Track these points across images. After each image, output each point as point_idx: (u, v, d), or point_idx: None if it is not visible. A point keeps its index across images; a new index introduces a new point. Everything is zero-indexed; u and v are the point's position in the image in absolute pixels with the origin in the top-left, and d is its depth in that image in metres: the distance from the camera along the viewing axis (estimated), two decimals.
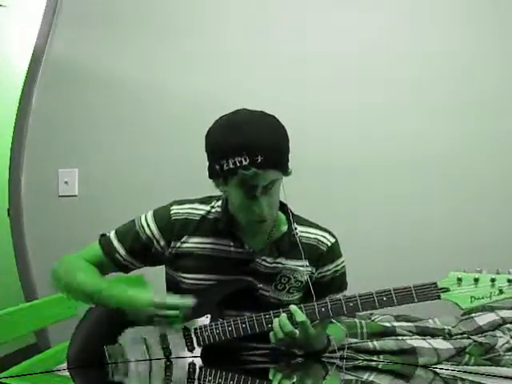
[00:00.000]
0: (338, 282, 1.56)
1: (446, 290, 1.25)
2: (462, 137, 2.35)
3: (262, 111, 1.39)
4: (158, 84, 2.56)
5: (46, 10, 2.62)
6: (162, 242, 1.50)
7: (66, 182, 2.61)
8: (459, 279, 1.25)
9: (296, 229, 1.52)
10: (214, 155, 1.34)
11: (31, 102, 2.62)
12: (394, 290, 1.30)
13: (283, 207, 1.53)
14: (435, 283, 1.27)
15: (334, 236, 1.57)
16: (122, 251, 1.51)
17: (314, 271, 1.53)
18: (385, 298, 1.31)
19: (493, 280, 1.22)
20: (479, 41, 2.36)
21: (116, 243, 1.52)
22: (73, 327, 1.52)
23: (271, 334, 1.36)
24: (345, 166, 2.40)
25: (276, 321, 1.35)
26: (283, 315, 1.34)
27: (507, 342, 1.70)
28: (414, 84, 2.38)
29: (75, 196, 2.61)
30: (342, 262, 1.58)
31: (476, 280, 1.23)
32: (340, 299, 1.35)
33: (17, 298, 2.55)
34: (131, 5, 2.60)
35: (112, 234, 1.55)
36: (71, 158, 2.62)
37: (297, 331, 1.33)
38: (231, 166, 1.29)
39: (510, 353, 1.66)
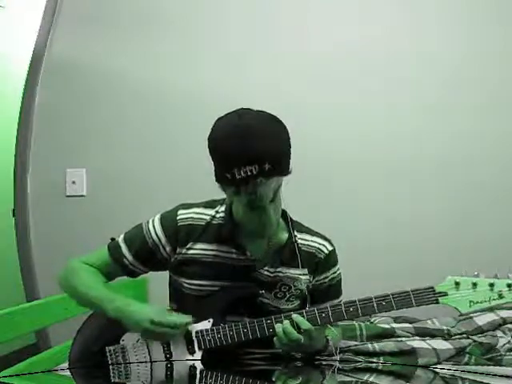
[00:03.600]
0: (334, 289, 1.57)
1: (444, 294, 1.25)
2: (462, 136, 2.35)
3: (264, 112, 1.37)
4: (164, 83, 2.55)
5: (46, 10, 2.61)
6: (168, 248, 1.50)
7: (73, 182, 2.60)
8: (457, 283, 1.24)
9: (296, 236, 1.52)
10: (224, 163, 1.32)
11: (34, 101, 2.62)
12: (392, 294, 1.31)
13: (283, 214, 1.52)
14: (433, 288, 1.27)
15: (331, 244, 1.58)
16: (129, 256, 1.51)
17: (311, 279, 1.53)
18: (384, 303, 1.32)
19: (491, 285, 1.22)
20: (479, 41, 2.35)
21: (124, 248, 1.52)
22: (73, 327, 1.52)
23: (275, 339, 1.37)
24: (345, 165, 2.40)
25: (279, 326, 1.35)
26: (286, 322, 1.35)
27: (508, 342, 1.70)
28: (413, 83, 2.38)
29: (83, 196, 2.61)
30: (338, 269, 1.59)
31: (474, 284, 1.23)
32: (340, 305, 1.37)
33: (20, 300, 2.54)
34: (132, 3, 2.60)
35: (120, 239, 1.54)
36: (79, 157, 2.61)
37: (302, 337, 1.34)
38: (242, 175, 1.28)
39: (511, 353, 1.66)
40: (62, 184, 2.61)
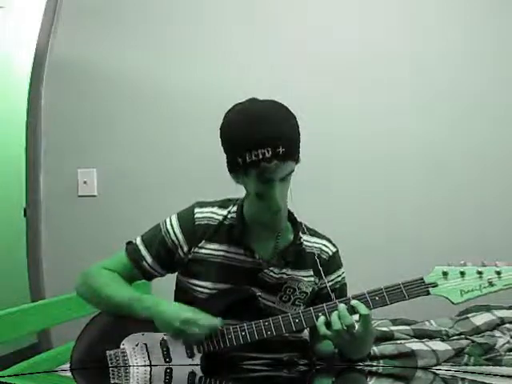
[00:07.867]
0: (339, 293, 1.53)
1: (434, 285, 1.25)
2: (463, 135, 2.36)
3: (273, 100, 1.39)
4: (168, 82, 2.56)
5: (47, 10, 2.62)
6: (186, 248, 1.50)
7: (85, 182, 2.61)
8: (445, 273, 1.24)
9: (301, 238, 1.53)
10: (235, 148, 1.33)
11: (40, 102, 2.63)
12: (385, 288, 1.31)
13: (290, 216, 1.54)
14: (422, 279, 1.27)
15: (335, 245, 1.58)
16: (148, 259, 1.50)
17: (316, 281, 1.53)
18: (377, 298, 1.30)
19: (479, 273, 1.22)
20: (479, 41, 2.37)
21: (143, 250, 1.51)
22: (74, 328, 1.52)
23: (325, 329, 1.30)
24: (345, 165, 2.41)
25: (335, 314, 1.30)
26: (342, 306, 1.30)
27: (507, 342, 1.70)
28: (413, 83, 2.40)
29: (94, 196, 2.61)
30: (343, 273, 1.58)
31: (462, 273, 1.23)
32: (335, 302, 1.34)
33: (26, 301, 2.51)
34: (133, 3, 2.62)
35: (138, 241, 1.53)
36: (90, 157, 2.62)
37: (356, 324, 1.29)
38: (254, 158, 1.29)
39: (511, 353, 1.66)
40: (74, 184, 2.62)
